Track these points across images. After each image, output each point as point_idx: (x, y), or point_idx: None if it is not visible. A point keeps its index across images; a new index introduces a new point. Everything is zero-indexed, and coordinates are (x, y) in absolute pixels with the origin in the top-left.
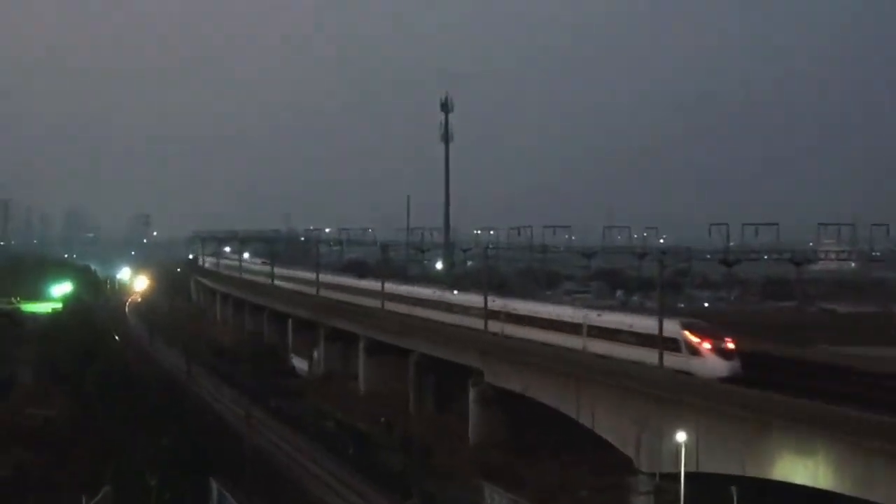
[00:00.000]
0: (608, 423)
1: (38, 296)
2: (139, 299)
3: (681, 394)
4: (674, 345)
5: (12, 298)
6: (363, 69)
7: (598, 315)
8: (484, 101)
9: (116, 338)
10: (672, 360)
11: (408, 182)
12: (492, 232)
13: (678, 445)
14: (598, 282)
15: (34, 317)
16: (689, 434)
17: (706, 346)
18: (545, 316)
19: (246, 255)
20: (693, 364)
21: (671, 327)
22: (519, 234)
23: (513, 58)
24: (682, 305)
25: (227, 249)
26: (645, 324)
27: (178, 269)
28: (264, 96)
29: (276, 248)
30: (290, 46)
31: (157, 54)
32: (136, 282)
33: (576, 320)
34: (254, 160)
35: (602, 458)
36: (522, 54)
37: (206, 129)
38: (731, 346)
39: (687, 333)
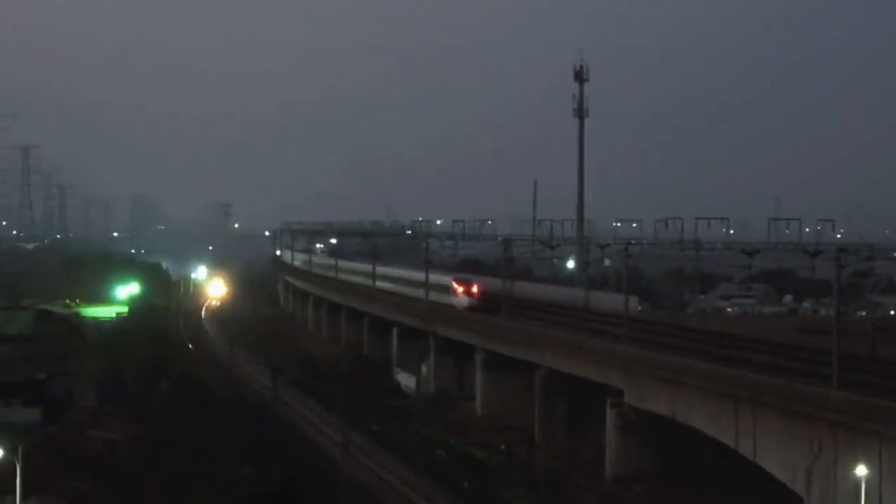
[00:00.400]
0: (773, 453)
1: (101, 298)
2: (218, 303)
3: (861, 419)
4: (448, 289)
5: (70, 301)
6: (483, 33)
7: (420, 274)
8: (625, 75)
9: (189, 343)
10: (445, 298)
11: (535, 167)
12: (634, 224)
13: (857, 481)
14: (761, 284)
15: (96, 323)
16: (870, 468)
17: (459, 289)
18: (398, 276)
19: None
20: (453, 299)
21: (447, 279)
22: (667, 227)
23: (656, 28)
24: (864, 314)
25: (333, 242)
26: (441, 279)
27: (263, 268)
28: (362, 67)
29: (378, 242)
30: (392, 15)
31: (234, 21)
32: (214, 282)
33: (412, 278)
34: (352, 141)
35: (766, 496)
36: (667, 24)
37: (295, 107)
38: (474, 290)
39: (452, 282)
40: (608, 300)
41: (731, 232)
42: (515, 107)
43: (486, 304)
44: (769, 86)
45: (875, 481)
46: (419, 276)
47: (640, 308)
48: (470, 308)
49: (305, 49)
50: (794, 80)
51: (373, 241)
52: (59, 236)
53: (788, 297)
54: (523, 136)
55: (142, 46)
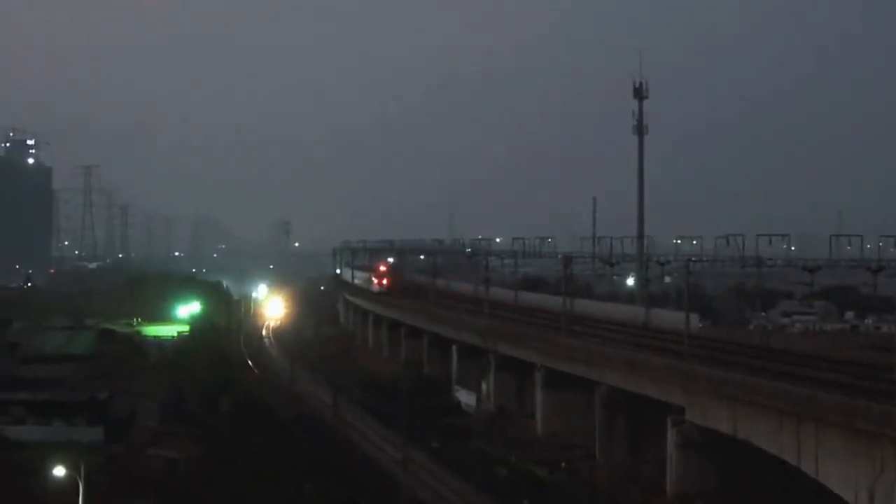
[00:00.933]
0: (835, 470)
1: (162, 317)
2: (278, 322)
3: None
4: (371, 281)
5: (132, 320)
6: (540, 50)
7: (363, 274)
8: (684, 88)
9: (250, 363)
10: (371, 286)
11: (595, 183)
12: (695, 241)
13: None
14: (823, 301)
15: (158, 342)
16: None
17: (374, 280)
18: (358, 275)
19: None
20: (373, 287)
21: (369, 275)
22: (728, 243)
23: (713, 41)
24: None
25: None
26: (370, 276)
27: (322, 288)
28: (420, 84)
29: (438, 260)
30: (447, 32)
31: (292, 40)
32: (275, 301)
33: (361, 276)
34: (413, 160)
35: None
36: (724, 37)
37: (354, 122)
38: (384, 281)
39: (372, 275)
40: (669, 317)
41: (793, 248)
42: (575, 123)
43: (390, 290)
44: (831, 100)
45: None
46: (362, 274)
47: (700, 325)
48: (379, 292)
49: (362, 66)
50: (855, 95)
51: (433, 259)
52: (120, 256)
53: (850, 314)
54: (583, 153)
55: (201, 68)
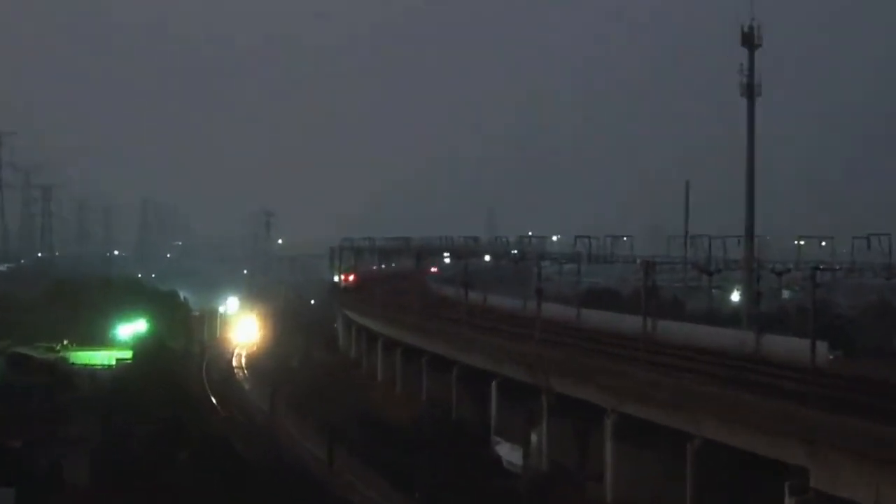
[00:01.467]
0: None
1: (97, 339)
2: (254, 346)
3: None
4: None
5: (56, 344)
6: None
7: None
8: (810, 41)
9: (214, 402)
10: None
11: (686, 164)
12: (824, 243)
13: None
14: None
15: (91, 372)
16: None
17: (343, 279)
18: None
19: None
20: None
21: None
22: (869, 246)
23: None
24: None
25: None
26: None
27: (312, 302)
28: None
29: (472, 265)
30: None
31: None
32: (250, 319)
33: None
34: (430, 138)
35: None
36: None
37: (355, 83)
38: (350, 279)
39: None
40: (787, 346)
41: None
42: (661, 80)
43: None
44: None
45: None
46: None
47: (831, 357)
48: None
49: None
50: None
51: (465, 264)
52: (40, 255)
53: None
54: (671, 121)
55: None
